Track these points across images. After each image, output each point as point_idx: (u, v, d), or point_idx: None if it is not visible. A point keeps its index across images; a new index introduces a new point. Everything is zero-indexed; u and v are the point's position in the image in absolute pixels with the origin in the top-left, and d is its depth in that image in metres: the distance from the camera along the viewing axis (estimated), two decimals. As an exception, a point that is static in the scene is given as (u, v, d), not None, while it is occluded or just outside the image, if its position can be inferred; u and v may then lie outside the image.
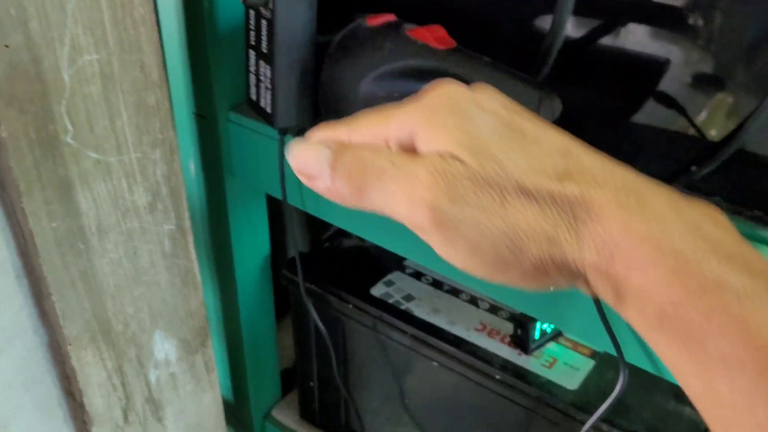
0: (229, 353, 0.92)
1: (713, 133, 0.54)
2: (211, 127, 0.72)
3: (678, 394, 0.71)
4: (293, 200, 0.70)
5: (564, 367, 0.69)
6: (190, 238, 0.64)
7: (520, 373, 0.68)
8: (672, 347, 0.26)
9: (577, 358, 0.70)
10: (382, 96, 0.57)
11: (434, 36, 0.54)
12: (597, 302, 0.51)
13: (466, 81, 0.53)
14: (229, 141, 0.72)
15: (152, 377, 0.67)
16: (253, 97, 0.63)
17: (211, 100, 0.70)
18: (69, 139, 0.52)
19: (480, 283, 0.61)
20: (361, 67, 0.56)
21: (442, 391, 0.76)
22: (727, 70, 0.52)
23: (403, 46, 0.55)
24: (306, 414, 0.96)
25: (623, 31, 0.55)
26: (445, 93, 0.31)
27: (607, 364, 0.69)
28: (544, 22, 0.57)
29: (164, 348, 0.67)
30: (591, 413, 0.55)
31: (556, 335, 0.72)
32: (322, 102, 0.61)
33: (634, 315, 0.28)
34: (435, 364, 0.74)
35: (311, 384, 0.92)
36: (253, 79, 0.62)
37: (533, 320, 0.70)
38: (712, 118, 0.54)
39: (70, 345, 0.58)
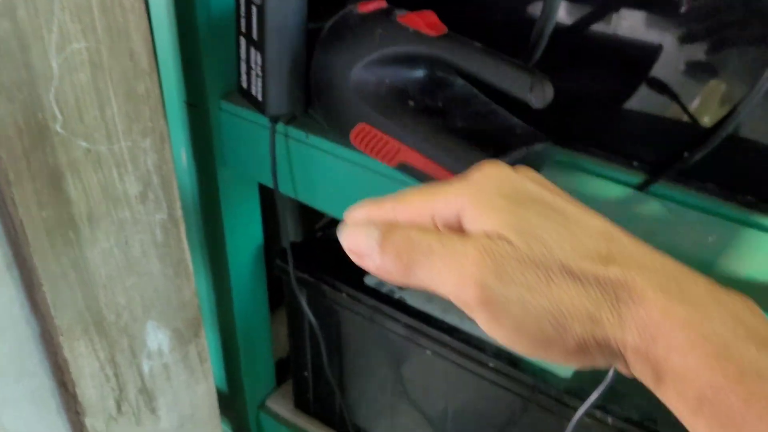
0: (222, 343, 0.92)
1: (706, 120, 0.54)
2: (202, 115, 0.72)
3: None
4: (285, 189, 0.70)
5: (558, 354, 0.69)
6: (182, 228, 0.64)
7: (514, 361, 0.68)
8: (710, 431, 0.27)
9: (571, 346, 0.70)
10: (373, 83, 0.57)
11: (426, 22, 0.54)
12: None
13: (458, 68, 0.53)
14: (220, 130, 0.72)
15: (145, 368, 0.67)
16: (244, 85, 0.63)
17: (202, 89, 0.70)
18: (58, 128, 0.51)
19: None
20: (353, 53, 0.56)
21: (436, 380, 0.76)
22: (720, 56, 0.51)
23: (394, 32, 0.54)
24: (300, 404, 0.97)
25: (615, 16, 0.55)
26: (491, 174, 0.32)
27: (600, 351, 0.69)
28: (536, 7, 0.57)
29: (157, 338, 0.67)
30: (584, 400, 0.55)
31: (549, 323, 0.72)
32: (313, 89, 0.60)
33: (673, 397, 0.28)
34: (429, 352, 0.73)
35: (305, 374, 0.92)
36: (243, 66, 0.62)
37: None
38: (706, 105, 0.54)
39: (62, 336, 0.58)
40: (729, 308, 0.29)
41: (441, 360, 0.73)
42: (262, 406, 0.99)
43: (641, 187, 0.57)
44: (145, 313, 0.64)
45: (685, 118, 0.55)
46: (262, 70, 0.59)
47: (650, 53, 0.54)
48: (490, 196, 0.31)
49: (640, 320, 0.28)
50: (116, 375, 0.64)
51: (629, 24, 0.54)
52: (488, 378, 0.69)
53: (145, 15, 0.53)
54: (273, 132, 0.64)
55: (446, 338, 0.71)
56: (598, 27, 0.56)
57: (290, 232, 0.97)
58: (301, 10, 0.57)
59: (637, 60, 0.55)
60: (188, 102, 0.73)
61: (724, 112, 0.52)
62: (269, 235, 0.86)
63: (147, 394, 0.68)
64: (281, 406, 0.98)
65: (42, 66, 0.49)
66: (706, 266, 0.50)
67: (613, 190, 0.58)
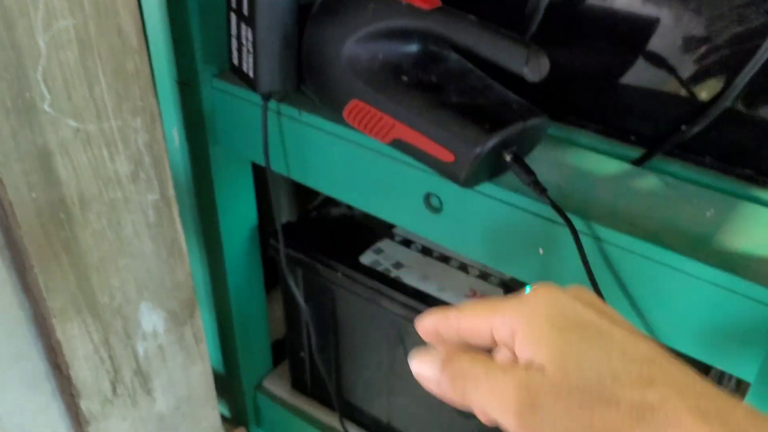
0: (218, 324, 0.92)
1: (704, 95, 0.53)
2: (194, 94, 0.71)
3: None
4: (277, 167, 0.69)
5: (555, 331, 0.68)
6: (175, 208, 0.63)
7: (511, 338, 0.68)
8: None
9: (568, 323, 0.69)
10: (366, 58, 0.56)
11: (419, -5, 0.53)
12: (585, 263, 0.50)
13: (452, 42, 0.52)
14: (212, 108, 0.71)
15: (140, 349, 0.66)
16: (236, 62, 0.62)
17: (193, 67, 0.69)
18: (46, 107, 0.50)
19: (470, 249, 0.60)
20: (345, 28, 0.55)
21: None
22: (717, 29, 0.51)
23: (387, 6, 0.54)
24: (297, 384, 0.96)
25: (612, -12, 0.54)
26: (542, 298, 0.34)
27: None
28: (531, -20, 0.56)
29: (152, 320, 0.67)
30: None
31: (546, 300, 0.71)
32: (305, 65, 0.60)
33: None
34: (425, 331, 0.73)
35: (302, 354, 0.91)
36: (234, 43, 0.61)
37: (523, 285, 0.69)
38: (703, 79, 0.53)
39: (54, 318, 0.57)
40: None
41: (438, 338, 0.72)
42: (259, 386, 0.99)
43: (639, 162, 0.57)
44: (138, 294, 0.64)
45: (683, 92, 0.54)
46: (253, 47, 0.58)
47: (648, 26, 0.54)
48: (537, 323, 0.33)
49: None
50: (111, 357, 0.64)
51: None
52: (485, 356, 0.69)
53: (133, -9, 0.53)
54: (265, 109, 0.63)
55: (443, 316, 0.71)
56: (594, -1, 0.55)
57: (285, 211, 0.96)
58: (292, -15, 0.56)
59: (634, 33, 0.55)
60: (179, 80, 0.72)
61: (721, 86, 0.52)
62: (264, 215, 0.86)
63: (142, 375, 0.68)
64: (278, 386, 0.98)
65: (28, 44, 0.48)
66: (704, 241, 0.49)
67: (611, 165, 0.57)
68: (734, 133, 0.54)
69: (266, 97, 0.63)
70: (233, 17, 0.60)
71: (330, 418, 0.93)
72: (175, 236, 0.65)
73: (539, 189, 0.51)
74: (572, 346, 0.32)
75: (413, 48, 0.57)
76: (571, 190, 0.54)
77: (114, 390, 0.65)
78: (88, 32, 0.51)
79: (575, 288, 0.36)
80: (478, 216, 0.57)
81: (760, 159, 0.53)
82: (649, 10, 0.53)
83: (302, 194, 0.97)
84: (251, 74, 0.60)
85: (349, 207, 0.86)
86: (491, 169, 0.53)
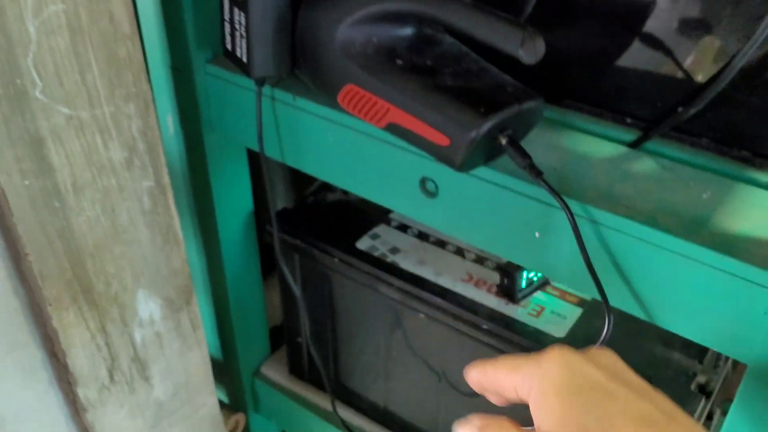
0: (216, 311, 0.92)
1: (700, 77, 0.53)
2: (187, 80, 0.70)
3: (666, 340, 0.71)
4: (272, 152, 0.69)
5: (551, 315, 0.68)
6: (170, 195, 0.63)
7: (508, 323, 0.68)
8: None
9: (565, 307, 0.69)
10: (360, 42, 0.55)
11: (413, -22, 0.52)
12: (582, 246, 0.50)
13: (447, 24, 0.52)
14: (207, 94, 0.71)
15: (137, 336, 0.66)
16: (229, 46, 0.62)
17: (186, 52, 0.68)
18: (38, 94, 0.50)
19: (466, 233, 0.60)
20: (338, 12, 0.55)
21: (430, 343, 0.76)
22: (714, 11, 0.50)
23: (381, -11, 0.53)
24: (295, 370, 0.97)
25: (607, -31, 0.54)
26: (555, 362, 0.36)
27: (594, 312, 0.69)
28: (526, -38, 0.55)
29: (148, 307, 0.66)
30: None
31: (542, 284, 0.71)
32: (299, 50, 0.59)
33: None
34: (422, 315, 0.73)
35: (299, 340, 0.91)
36: (228, 27, 0.61)
37: (519, 269, 0.69)
38: (700, 62, 0.53)
39: (50, 306, 0.57)
40: None
41: (435, 323, 0.72)
42: (256, 372, 0.99)
43: (635, 145, 0.57)
44: (134, 281, 0.64)
45: (679, 74, 0.54)
46: (247, 31, 0.58)
47: (644, 8, 0.53)
48: (544, 390, 0.35)
49: None
50: (108, 344, 0.63)
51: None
52: (482, 340, 0.69)
53: (124, -25, 0.52)
54: (259, 94, 0.63)
55: (440, 301, 0.71)
56: (589, -19, 0.55)
57: (282, 197, 0.96)
58: (285, -32, 0.56)
59: (630, 14, 0.54)
60: (172, 66, 0.71)
61: (718, 68, 0.51)
62: (263, 201, 0.86)
63: (140, 362, 0.68)
64: (276, 372, 0.98)
65: (18, 30, 0.47)
66: (701, 223, 0.49)
67: (607, 148, 0.57)
68: (731, 114, 0.54)
69: (260, 82, 0.62)
70: (226, 1, 0.59)
71: (328, 403, 0.93)
72: (171, 223, 0.64)
73: (535, 172, 0.50)
74: (574, 413, 0.34)
75: (408, 31, 0.56)
76: (566, 173, 0.54)
77: (111, 377, 0.65)
78: (79, 18, 0.50)
79: (595, 350, 0.38)
80: (473, 200, 0.57)
81: (757, 141, 0.53)
82: (645, -8, 0.52)
83: (299, 180, 0.96)
84: (245, 59, 0.60)
85: (345, 192, 0.86)
86: (487, 152, 0.53)
